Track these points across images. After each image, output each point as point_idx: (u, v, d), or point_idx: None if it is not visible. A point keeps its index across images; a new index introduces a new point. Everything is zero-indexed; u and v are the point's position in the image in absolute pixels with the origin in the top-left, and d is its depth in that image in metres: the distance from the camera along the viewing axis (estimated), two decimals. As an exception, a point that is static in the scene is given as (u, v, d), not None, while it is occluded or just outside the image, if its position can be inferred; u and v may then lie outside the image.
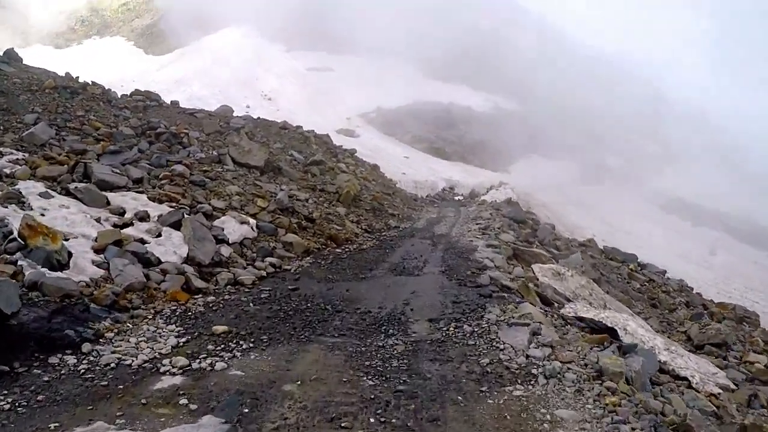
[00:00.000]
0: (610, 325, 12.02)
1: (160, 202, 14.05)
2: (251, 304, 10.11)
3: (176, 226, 12.84)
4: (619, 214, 47.93)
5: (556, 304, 13.43)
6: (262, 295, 10.73)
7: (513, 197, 33.17)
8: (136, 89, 25.03)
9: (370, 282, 12.36)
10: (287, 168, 22.16)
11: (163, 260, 11.41)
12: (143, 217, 12.85)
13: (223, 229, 13.84)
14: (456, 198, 38.83)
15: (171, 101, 25.17)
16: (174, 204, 14.15)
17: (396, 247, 17.12)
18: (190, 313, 9.37)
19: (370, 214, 21.62)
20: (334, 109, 55.15)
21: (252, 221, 15.22)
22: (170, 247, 12.05)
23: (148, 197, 14.00)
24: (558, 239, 24.99)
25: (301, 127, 28.73)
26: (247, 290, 11.24)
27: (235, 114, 26.81)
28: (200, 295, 10.56)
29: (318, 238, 16.70)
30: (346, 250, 16.36)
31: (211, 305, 9.95)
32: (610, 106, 67.80)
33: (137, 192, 14.17)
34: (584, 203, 46.23)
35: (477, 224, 21.51)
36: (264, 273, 12.70)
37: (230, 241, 13.58)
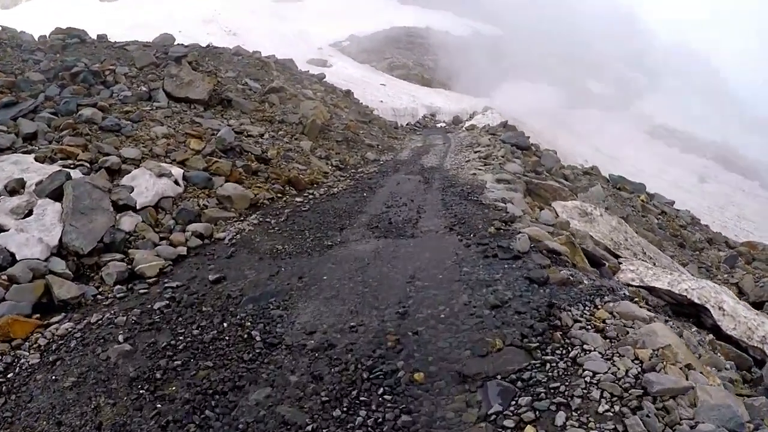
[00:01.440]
0: (698, 300, 7.62)
1: (52, 161, 9.66)
2: (130, 334, 5.64)
3: (57, 195, 8.26)
4: (609, 140, 44.12)
5: (606, 264, 8.96)
6: (159, 305, 6.24)
7: (488, 124, 28.43)
8: (56, 27, 19.40)
9: (340, 256, 7.83)
10: (239, 99, 17.17)
11: (19, 256, 6.94)
12: (14, 188, 8.29)
13: (132, 189, 9.21)
14: (438, 125, 34.05)
15: (98, 35, 19.66)
16: (71, 162, 9.60)
17: (376, 188, 12.54)
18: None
19: (343, 146, 16.82)
20: (305, 40, 49.11)
21: (177, 171, 10.80)
22: (37, 232, 7.49)
23: (35, 157, 9.54)
24: (563, 168, 20.40)
25: (259, 52, 23.38)
26: (144, 290, 6.80)
27: (177, 42, 21.33)
28: (62, 316, 6.08)
29: (273, 184, 12.23)
30: (310, 197, 11.78)
31: (58, 346, 5.43)
32: (592, 33, 62.46)
33: (24, 152, 9.71)
34: (573, 129, 41.79)
35: (475, 152, 16.81)
36: (184, 250, 8.27)
37: (138, 206, 9.11)
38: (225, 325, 5.58)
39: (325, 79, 25.01)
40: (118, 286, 6.86)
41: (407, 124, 30.79)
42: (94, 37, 19.41)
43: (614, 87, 58.33)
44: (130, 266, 7.37)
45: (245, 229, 9.22)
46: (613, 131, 46.20)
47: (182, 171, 10.89)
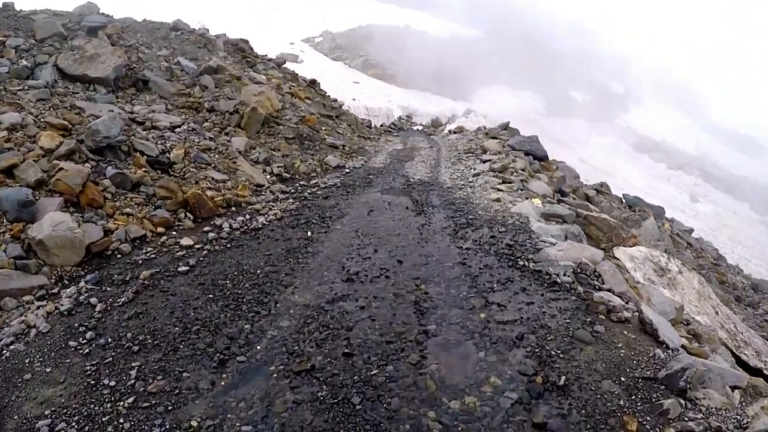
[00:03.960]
0: None
1: None
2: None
3: None
4: (595, 151, 39.10)
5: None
6: None
7: (484, 126, 22.96)
8: None
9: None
10: (158, 80, 11.38)
11: None
12: None
13: None
14: (415, 127, 28.36)
15: (3, 3, 13.54)
16: None
17: (333, 219, 7.14)
18: None
19: (294, 146, 11.13)
20: (276, 34, 42.92)
21: None
22: None
23: None
24: (581, 186, 15.02)
25: (206, 29, 17.41)
26: None
27: (100, 12, 15.26)
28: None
29: (157, 207, 6.37)
30: (210, 238, 6.27)
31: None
32: (575, 43, 57.64)
33: None
34: (558, 138, 36.55)
35: (484, 161, 11.24)
36: None
37: None
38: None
39: (285, 65, 19.15)
40: None
41: (381, 125, 25.08)
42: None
43: (596, 96, 53.37)
44: None
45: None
46: (599, 142, 41.24)
47: None
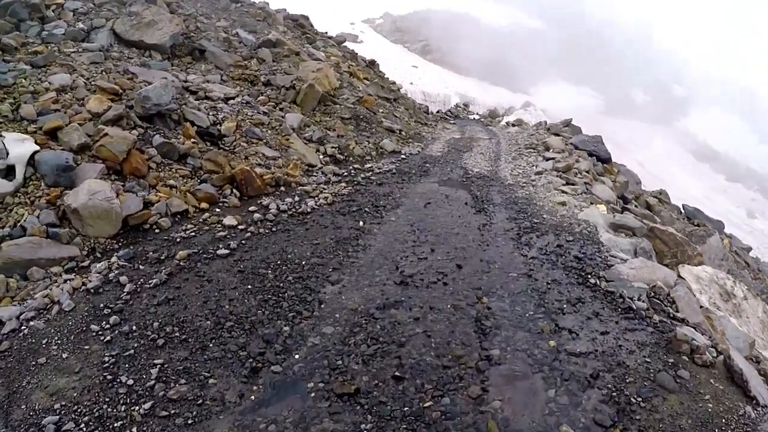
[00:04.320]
0: None
1: None
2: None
3: None
4: (653, 156, 37.13)
5: None
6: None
7: (545, 121, 21.90)
8: None
9: None
10: (216, 50, 10.99)
11: None
12: None
13: None
14: (471, 116, 27.40)
15: None
16: None
17: (387, 209, 6.54)
18: None
19: (350, 127, 10.56)
20: (337, 14, 42.32)
21: (25, 148, 5.66)
22: None
23: None
24: (643, 193, 14.02)
25: (266, 2, 16.94)
26: None
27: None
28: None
29: (203, 182, 6.11)
30: (255, 219, 5.77)
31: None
32: (637, 41, 54.95)
33: None
34: (616, 139, 34.93)
35: (546, 160, 10.47)
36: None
37: None
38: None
39: (344, 44, 18.56)
40: None
41: (438, 112, 24.28)
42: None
43: (656, 98, 50.80)
44: None
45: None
46: (658, 146, 39.21)
47: (34, 149, 5.32)
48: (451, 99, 29.06)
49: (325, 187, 7.09)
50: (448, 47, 41.20)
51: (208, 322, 3.75)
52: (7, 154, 5.25)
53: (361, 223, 5.73)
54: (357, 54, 18.51)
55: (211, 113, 8.09)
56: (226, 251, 4.81)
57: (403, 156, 9.84)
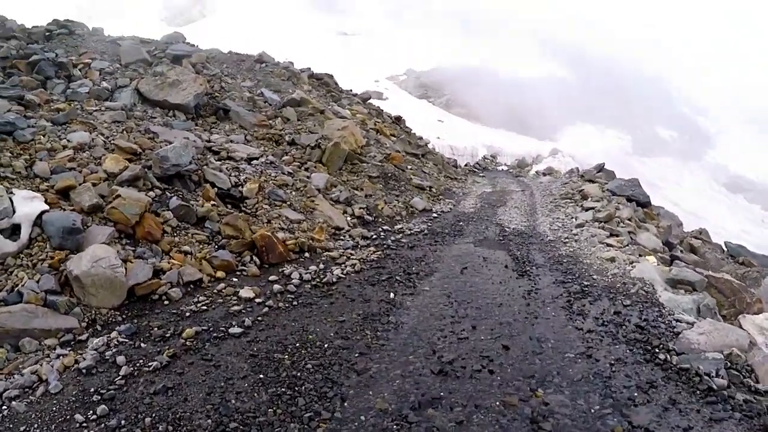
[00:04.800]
0: None
1: None
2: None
3: None
4: (684, 193, 36.11)
5: None
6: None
7: (577, 167, 21.30)
8: (54, 18, 13.39)
9: None
10: (238, 109, 10.78)
11: None
12: None
13: None
14: (500, 167, 26.88)
15: (93, 28, 13.67)
16: None
17: (420, 277, 5.92)
18: None
19: (378, 185, 10.05)
20: (362, 72, 42.86)
21: (34, 207, 5.35)
22: None
23: None
24: (686, 236, 13.14)
25: (291, 62, 16.92)
26: None
27: (186, 42, 15.03)
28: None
29: (220, 248, 5.60)
30: (275, 290, 5.21)
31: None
32: (659, 78, 54.31)
33: None
34: (647, 178, 33.97)
35: (586, 209, 9.82)
36: None
37: None
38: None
39: (370, 101, 18.37)
40: None
41: (466, 165, 23.82)
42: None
43: (682, 133, 49.89)
44: None
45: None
46: (689, 183, 38.22)
47: (43, 208, 5.13)
48: (478, 151, 28.59)
49: (353, 252, 6.50)
50: (471, 100, 41.11)
51: (209, 421, 3.12)
52: (14, 212, 4.88)
53: (391, 294, 5.08)
54: (383, 110, 18.26)
55: (233, 174, 7.68)
56: (240, 330, 4.22)
57: (435, 214, 9.23)
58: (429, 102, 39.57)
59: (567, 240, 7.95)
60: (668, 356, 4.36)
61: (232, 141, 9.37)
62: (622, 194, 11.42)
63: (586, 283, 5.90)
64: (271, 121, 11.06)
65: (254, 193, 7.33)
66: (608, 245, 7.51)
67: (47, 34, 11.94)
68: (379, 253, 6.51)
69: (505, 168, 27.19)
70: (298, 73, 16.01)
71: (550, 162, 25.78)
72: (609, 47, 53.81)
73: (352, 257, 6.24)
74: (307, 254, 6.26)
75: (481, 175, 19.09)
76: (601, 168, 15.73)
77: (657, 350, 4.41)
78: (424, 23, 50.30)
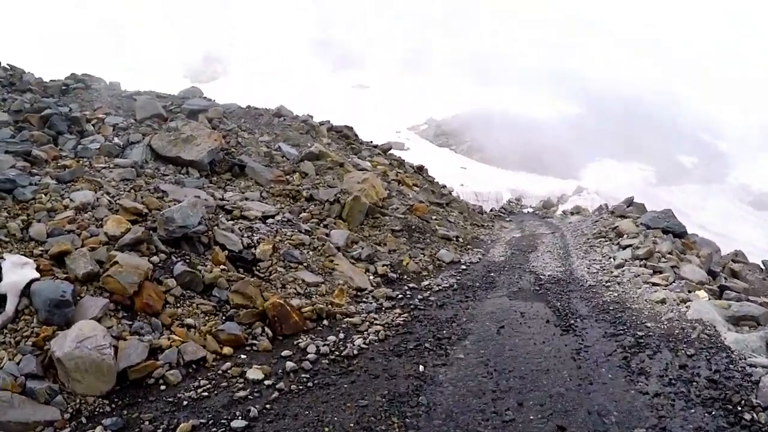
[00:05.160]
0: None
1: None
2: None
3: None
4: (710, 216, 35.75)
5: None
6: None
7: (605, 204, 20.45)
8: (72, 72, 13.50)
9: None
10: (254, 164, 10.42)
11: None
12: None
13: None
14: (525, 210, 26.19)
15: (110, 82, 13.68)
16: None
17: (452, 343, 5.25)
18: None
19: (402, 239, 9.43)
20: (381, 124, 43.09)
21: (23, 275, 4.71)
22: None
23: None
24: (728, 262, 12.33)
25: (310, 116, 16.71)
26: None
27: (203, 96, 14.97)
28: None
29: (228, 320, 4.98)
30: (287, 368, 4.58)
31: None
32: (676, 105, 53.82)
33: None
34: (673, 206, 33.04)
35: (623, 247, 9.10)
36: None
37: None
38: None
39: (391, 151, 18.01)
40: None
41: (491, 210, 23.16)
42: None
43: (703, 158, 48.85)
44: None
45: None
46: (714, 206, 37.34)
47: (33, 276, 4.60)
48: (503, 195, 28.12)
49: (376, 316, 5.83)
50: (491, 144, 40.85)
51: None
52: (0, 280, 4.36)
53: (421, 367, 4.37)
54: (404, 161, 17.82)
55: (245, 234, 7.16)
56: (243, 423, 3.56)
57: (464, 266, 8.53)
58: (451, 150, 39.46)
59: (609, 283, 7.21)
60: (755, 415, 3.63)
61: (247, 198, 8.93)
62: (657, 227, 10.64)
63: (640, 333, 5.15)
64: (288, 177, 10.64)
65: (268, 254, 6.78)
66: (654, 284, 6.83)
67: (63, 88, 11.74)
68: (405, 315, 5.83)
69: (531, 210, 26.50)
70: (317, 126, 15.69)
71: (575, 200, 25.12)
72: (614, 73, 53.62)
73: (375, 323, 5.57)
74: (325, 321, 5.61)
75: (507, 219, 18.36)
76: (631, 202, 14.94)
77: (740, 408, 3.71)
78: (440, 71, 50.69)
